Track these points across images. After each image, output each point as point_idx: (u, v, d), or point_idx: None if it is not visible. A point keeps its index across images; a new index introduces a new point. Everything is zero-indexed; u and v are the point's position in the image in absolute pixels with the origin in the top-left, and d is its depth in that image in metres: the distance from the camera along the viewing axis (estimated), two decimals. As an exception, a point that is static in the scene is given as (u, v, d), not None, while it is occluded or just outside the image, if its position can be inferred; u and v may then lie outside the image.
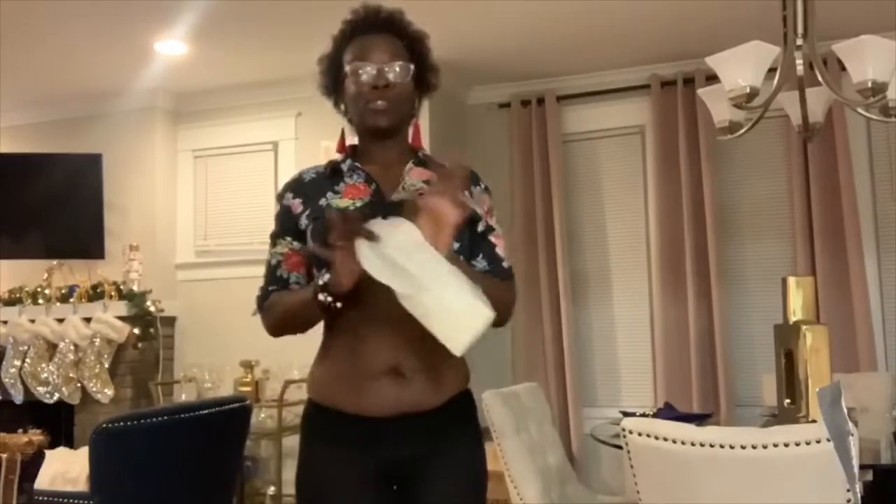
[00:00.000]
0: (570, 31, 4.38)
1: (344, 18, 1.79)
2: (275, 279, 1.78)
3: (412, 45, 1.78)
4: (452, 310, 1.43)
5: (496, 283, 1.74)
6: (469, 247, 1.75)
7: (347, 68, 1.73)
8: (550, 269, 4.93)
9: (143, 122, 5.27)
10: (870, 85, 2.77)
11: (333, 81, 1.79)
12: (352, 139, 1.82)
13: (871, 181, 4.55)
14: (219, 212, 5.31)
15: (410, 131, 1.83)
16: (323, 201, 1.72)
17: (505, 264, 1.81)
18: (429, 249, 1.48)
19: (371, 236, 1.47)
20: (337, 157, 1.82)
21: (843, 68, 3.08)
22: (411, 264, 1.45)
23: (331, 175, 1.76)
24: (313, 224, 1.70)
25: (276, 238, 1.80)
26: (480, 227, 1.78)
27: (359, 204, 1.69)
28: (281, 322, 1.74)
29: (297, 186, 1.79)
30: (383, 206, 1.68)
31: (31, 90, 5.10)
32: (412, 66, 1.74)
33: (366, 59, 1.71)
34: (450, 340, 1.43)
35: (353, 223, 1.48)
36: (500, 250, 1.81)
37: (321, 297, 1.55)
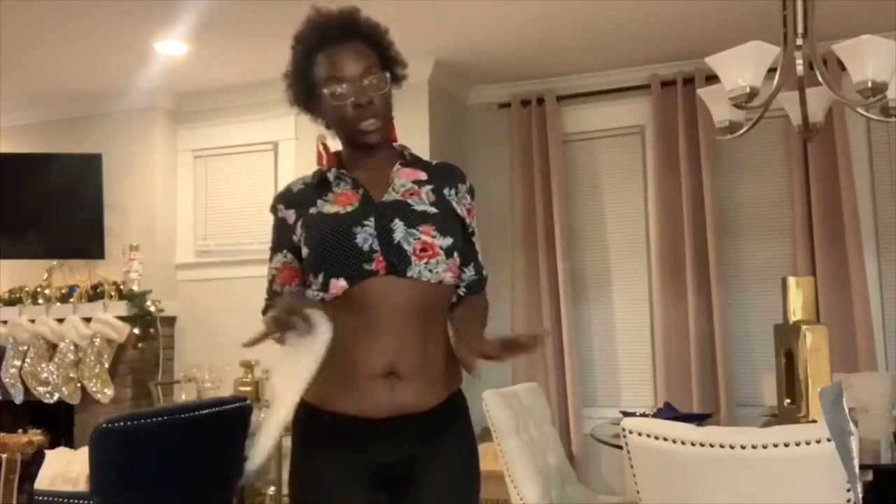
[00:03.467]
0: (570, 31, 4.38)
1: (300, 27, 1.76)
2: (271, 293, 1.83)
3: (377, 44, 1.76)
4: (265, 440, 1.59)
5: (481, 312, 1.81)
6: (463, 251, 1.76)
7: (325, 90, 1.71)
8: (550, 269, 4.93)
9: (142, 122, 5.27)
10: (870, 85, 2.77)
11: (306, 94, 1.79)
12: (334, 145, 1.84)
13: (871, 181, 4.55)
14: (219, 212, 5.31)
15: None
16: (314, 209, 1.73)
17: (484, 272, 1.86)
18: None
19: (303, 330, 1.55)
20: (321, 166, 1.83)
21: (843, 68, 3.09)
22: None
23: (318, 185, 1.77)
24: (306, 232, 1.72)
25: (273, 252, 1.83)
26: (469, 230, 1.80)
27: (349, 209, 1.69)
28: None
29: (288, 198, 1.81)
30: (374, 207, 1.69)
31: (31, 90, 5.10)
32: (388, 74, 1.72)
33: (340, 76, 1.70)
34: (255, 452, 1.59)
35: (300, 309, 1.55)
36: (480, 256, 1.85)
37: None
